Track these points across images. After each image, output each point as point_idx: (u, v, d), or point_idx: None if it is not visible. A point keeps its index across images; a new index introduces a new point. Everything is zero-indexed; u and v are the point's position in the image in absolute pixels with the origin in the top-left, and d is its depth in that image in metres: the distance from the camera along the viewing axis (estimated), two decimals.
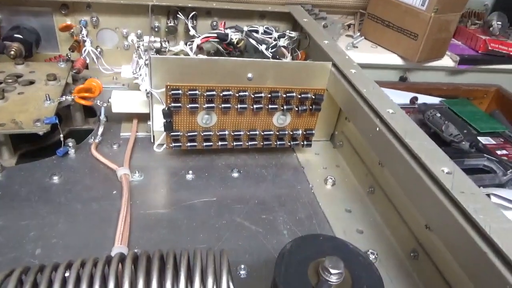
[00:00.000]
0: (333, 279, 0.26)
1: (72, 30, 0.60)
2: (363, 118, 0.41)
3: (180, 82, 0.42)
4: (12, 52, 0.54)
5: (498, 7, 1.39)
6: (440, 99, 1.20)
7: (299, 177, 0.48)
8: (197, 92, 0.42)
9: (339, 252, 0.28)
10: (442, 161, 0.32)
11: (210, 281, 0.25)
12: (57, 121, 0.42)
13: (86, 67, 0.57)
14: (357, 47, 1.18)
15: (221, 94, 0.43)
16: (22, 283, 0.24)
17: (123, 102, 0.49)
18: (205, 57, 0.49)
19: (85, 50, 0.58)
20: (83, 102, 0.46)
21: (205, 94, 0.43)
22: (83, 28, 0.60)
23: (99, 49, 0.61)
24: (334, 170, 0.50)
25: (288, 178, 0.48)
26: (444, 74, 1.27)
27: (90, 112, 0.55)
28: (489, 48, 1.21)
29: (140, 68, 0.50)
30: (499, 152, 1.02)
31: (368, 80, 0.45)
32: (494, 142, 1.05)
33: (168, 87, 0.42)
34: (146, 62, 0.45)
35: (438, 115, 1.00)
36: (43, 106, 0.44)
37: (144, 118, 0.52)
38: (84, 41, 0.59)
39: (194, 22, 0.63)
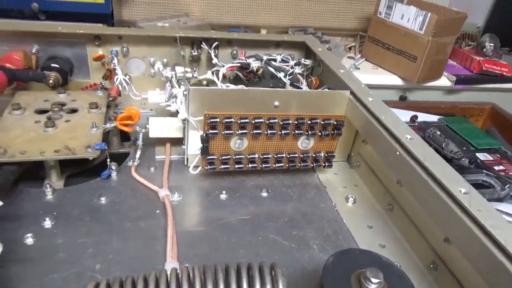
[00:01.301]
0: (374, 287, 0.30)
1: (103, 59, 0.65)
2: (382, 142, 0.45)
3: (214, 110, 0.47)
4: (51, 81, 0.59)
5: (489, 29, 1.47)
6: (438, 116, 1.27)
7: (322, 196, 0.52)
8: (232, 119, 0.47)
9: (375, 263, 0.32)
10: (459, 182, 0.37)
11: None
12: (106, 147, 0.46)
13: (119, 94, 0.61)
14: (359, 68, 1.25)
15: (253, 121, 0.48)
16: None
17: (159, 128, 0.53)
18: (237, 87, 0.54)
19: (117, 78, 0.63)
20: (125, 129, 0.50)
21: (239, 121, 0.47)
22: (115, 57, 0.64)
23: (128, 76, 0.66)
24: (353, 189, 0.54)
25: (312, 197, 0.52)
26: (442, 93, 1.34)
27: (123, 136, 0.59)
28: (483, 68, 1.28)
29: (172, 97, 0.55)
30: (496, 168, 1.07)
31: (385, 107, 0.49)
32: (491, 158, 1.10)
33: (207, 115, 0.46)
34: (184, 92, 0.49)
35: (438, 133, 1.06)
36: (90, 133, 0.48)
37: (175, 141, 0.56)
38: (115, 69, 0.64)
39: (216, 51, 0.68)
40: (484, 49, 1.33)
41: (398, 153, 0.43)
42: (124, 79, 0.63)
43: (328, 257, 0.33)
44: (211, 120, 0.46)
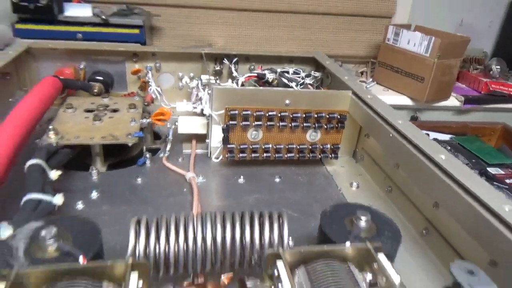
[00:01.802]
0: (363, 224, 0.36)
1: (139, 73, 0.75)
2: (380, 130, 0.53)
3: (234, 106, 0.55)
4: (96, 90, 0.69)
5: (497, 54, 1.54)
6: (450, 136, 1.32)
7: (329, 182, 0.59)
8: (249, 112, 0.55)
9: (366, 210, 0.38)
10: (438, 151, 0.43)
11: (275, 226, 0.36)
12: (143, 135, 0.55)
13: (152, 101, 0.71)
14: (370, 90, 1.33)
15: (267, 114, 0.56)
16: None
17: (187, 125, 0.62)
18: (253, 87, 0.63)
19: (150, 89, 0.73)
20: (158, 123, 0.59)
21: (254, 114, 0.56)
22: (149, 71, 0.75)
23: (159, 89, 0.76)
24: (357, 177, 0.60)
25: (320, 183, 0.58)
26: (452, 113, 1.40)
27: (155, 136, 0.68)
28: (490, 89, 1.34)
29: (197, 100, 0.64)
30: (508, 181, 1.11)
31: (381, 102, 0.57)
32: (503, 172, 1.14)
33: (227, 108, 0.55)
34: (209, 92, 0.58)
35: (448, 147, 1.11)
36: (130, 126, 0.57)
37: (200, 139, 0.64)
38: (149, 82, 0.74)
39: (236, 66, 0.78)
40: (491, 72, 1.40)
41: (391, 135, 0.50)
42: (157, 89, 0.73)
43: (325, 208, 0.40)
44: (231, 112, 0.55)
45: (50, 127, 0.51)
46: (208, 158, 0.61)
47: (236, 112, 0.55)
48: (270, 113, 0.56)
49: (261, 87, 0.61)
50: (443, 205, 0.42)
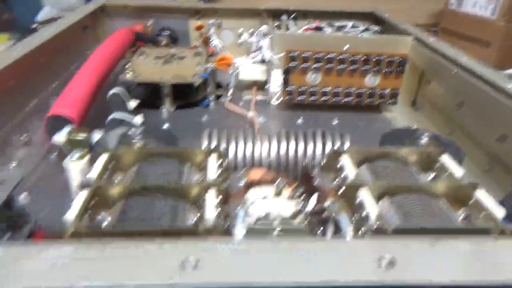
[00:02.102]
0: (423, 142, 0.37)
1: (202, 30, 0.79)
2: (443, 68, 0.52)
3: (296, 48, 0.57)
4: (163, 43, 0.74)
5: None
6: None
7: (387, 126, 0.59)
8: (308, 54, 0.57)
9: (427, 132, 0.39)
10: (507, 82, 0.42)
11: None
12: (207, 76, 0.59)
13: (214, 54, 0.74)
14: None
15: (326, 57, 0.57)
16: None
17: (248, 71, 0.65)
18: (313, 32, 0.64)
19: (212, 43, 0.76)
20: (222, 67, 0.63)
21: (314, 56, 0.57)
22: (211, 27, 0.78)
23: (220, 44, 0.79)
24: (417, 124, 0.60)
25: (378, 127, 0.59)
26: None
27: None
28: None
29: (259, 48, 0.66)
30: None
31: (445, 45, 0.56)
32: None
33: (288, 50, 0.57)
34: (270, 35, 0.60)
35: None
36: (196, 69, 0.61)
37: (259, 88, 0.67)
38: (210, 38, 0.78)
39: (294, 22, 0.79)
40: None
41: (455, 71, 0.49)
42: (219, 43, 0.77)
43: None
44: (291, 54, 0.57)
45: (127, 66, 0.57)
46: (267, 104, 0.64)
47: (296, 53, 0.57)
48: (330, 55, 0.57)
49: (320, 33, 0.63)
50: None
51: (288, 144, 0.37)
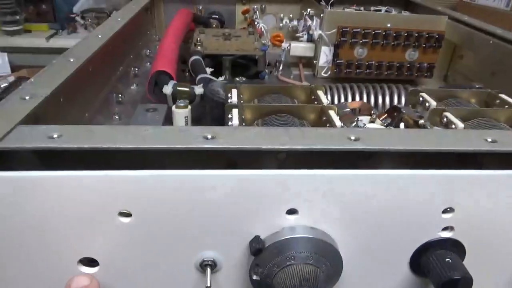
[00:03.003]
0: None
1: (247, 14, 0.87)
2: (479, 40, 0.60)
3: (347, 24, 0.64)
4: (214, 26, 0.81)
5: None
6: None
7: None
8: (359, 30, 0.64)
9: None
10: None
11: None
12: (267, 49, 0.66)
13: (261, 36, 0.82)
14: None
15: (373, 33, 0.65)
16: None
17: (297, 48, 0.72)
18: (359, 11, 0.72)
19: (258, 26, 0.84)
20: (277, 43, 0.70)
21: (362, 32, 0.64)
22: (256, 11, 0.86)
23: (265, 26, 0.87)
24: None
25: None
26: None
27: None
28: None
29: (306, 28, 0.74)
30: None
31: (478, 21, 0.64)
32: None
33: (339, 26, 0.64)
34: (322, 15, 0.68)
35: None
36: (253, 45, 0.68)
37: (305, 64, 0.74)
38: (255, 20, 0.85)
39: (332, 7, 0.86)
40: None
41: (491, 42, 0.57)
42: (263, 26, 0.84)
43: None
44: (343, 29, 0.64)
45: (198, 38, 0.64)
46: (314, 77, 0.71)
47: (347, 29, 0.64)
48: (376, 31, 0.65)
49: (365, 11, 0.70)
50: None
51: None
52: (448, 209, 0.22)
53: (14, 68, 1.26)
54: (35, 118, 0.27)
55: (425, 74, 0.69)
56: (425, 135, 0.25)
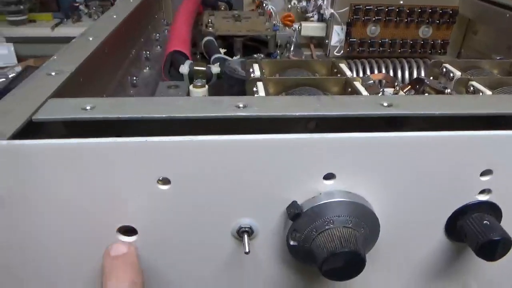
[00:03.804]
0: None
1: None
2: (494, 13, 0.59)
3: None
4: (222, 8, 0.80)
5: None
6: None
7: None
8: (371, 7, 0.63)
9: None
10: None
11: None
12: (278, 29, 0.65)
13: (270, 17, 0.81)
14: None
15: (386, 10, 0.64)
16: None
17: (308, 28, 0.72)
18: None
19: (266, 7, 0.83)
20: (288, 23, 0.70)
21: (375, 9, 0.64)
22: None
23: (274, 8, 0.86)
24: None
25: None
26: None
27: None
28: None
29: (317, 7, 0.73)
30: None
31: None
32: None
33: (352, 4, 0.63)
34: None
35: None
36: (265, 25, 0.67)
37: (315, 45, 0.74)
38: (263, 3, 0.84)
39: None
40: None
41: (508, 15, 0.56)
42: (272, 8, 0.83)
43: None
44: (355, 7, 0.63)
45: (209, 20, 0.63)
46: (326, 57, 0.71)
47: (360, 7, 0.63)
48: (389, 8, 0.64)
49: None
50: None
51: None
52: (486, 171, 0.22)
53: (20, 59, 1.25)
54: (59, 95, 0.27)
55: (439, 51, 0.68)
56: (457, 100, 0.25)
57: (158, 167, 0.20)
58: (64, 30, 1.25)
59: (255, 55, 0.42)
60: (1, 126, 0.21)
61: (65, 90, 0.28)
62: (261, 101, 0.24)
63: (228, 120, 0.23)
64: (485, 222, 0.22)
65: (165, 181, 0.21)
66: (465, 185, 0.22)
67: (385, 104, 0.24)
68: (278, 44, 0.76)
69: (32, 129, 0.22)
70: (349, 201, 0.21)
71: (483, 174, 0.22)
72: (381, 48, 0.67)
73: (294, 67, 0.37)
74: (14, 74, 1.04)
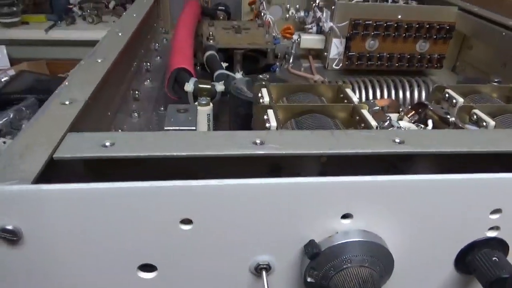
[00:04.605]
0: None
1: (254, 5, 0.86)
2: (489, 31, 0.60)
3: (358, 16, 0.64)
4: (221, 17, 0.81)
5: None
6: None
7: None
8: (370, 22, 0.64)
9: None
10: None
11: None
12: (279, 43, 0.66)
13: (269, 26, 0.81)
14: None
15: (385, 25, 0.65)
16: None
17: (307, 40, 0.72)
18: (370, 3, 0.72)
19: (265, 17, 0.83)
20: (287, 36, 0.70)
21: (374, 24, 0.65)
22: (262, 2, 0.85)
23: (272, 17, 0.86)
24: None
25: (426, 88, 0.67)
26: None
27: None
28: None
29: (316, 19, 0.74)
30: None
31: (489, 12, 0.64)
32: None
33: (351, 19, 0.64)
34: (333, 7, 0.67)
35: None
36: (265, 38, 0.68)
37: (314, 56, 0.74)
38: (262, 11, 0.84)
39: None
40: None
41: (504, 33, 0.57)
42: (270, 18, 0.84)
43: None
44: (355, 22, 0.64)
45: (210, 33, 0.63)
46: (324, 69, 0.71)
47: (360, 22, 0.64)
48: (388, 23, 0.65)
49: (377, 3, 0.70)
50: None
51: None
52: (496, 210, 0.23)
53: (12, 61, 1.24)
54: (75, 126, 0.27)
55: (435, 65, 0.69)
56: (466, 136, 0.25)
57: (181, 209, 0.20)
58: (58, 33, 1.24)
59: (260, 76, 0.42)
60: (23, 165, 0.21)
61: (80, 120, 0.28)
62: (276, 137, 0.25)
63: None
64: (494, 258, 0.23)
65: (187, 221, 0.21)
66: (475, 223, 0.23)
67: (397, 140, 0.25)
68: (278, 56, 0.76)
69: (53, 166, 0.22)
70: (365, 241, 0.22)
71: (492, 212, 0.23)
72: (379, 62, 0.68)
73: (301, 91, 0.38)
74: (7, 78, 1.03)
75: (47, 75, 1.16)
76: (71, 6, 1.31)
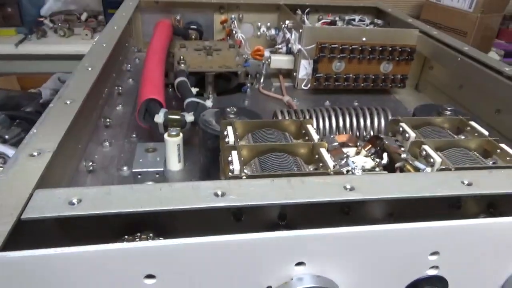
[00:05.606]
0: (448, 113, 0.48)
1: (225, 23, 0.88)
2: (447, 56, 0.64)
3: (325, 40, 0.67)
4: (193, 36, 0.82)
5: None
6: None
7: (399, 105, 0.70)
8: (336, 45, 0.67)
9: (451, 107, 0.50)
10: (502, 66, 0.54)
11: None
12: (250, 66, 0.68)
13: (240, 46, 0.83)
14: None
15: (350, 48, 0.68)
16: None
17: (277, 61, 0.74)
18: (337, 26, 0.74)
19: (236, 36, 0.85)
20: (257, 58, 0.72)
21: (340, 47, 0.67)
22: (234, 21, 0.87)
23: (243, 36, 0.88)
24: (422, 102, 0.72)
25: (391, 106, 0.70)
26: None
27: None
28: None
29: (285, 40, 0.76)
30: None
31: (448, 36, 0.68)
32: None
33: (318, 42, 0.67)
34: (300, 30, 0.70)
35: None
36: (236, 60, 0.70)
37: (284, 75, 0.77)
38: (234, 30, 0.86)
39: (308, 16, 0.89)
40: None
41: (459, 59, 0.61)
42: (242, 36, 0.86)
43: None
44: (322, 45, 0.67)
45: (181, 57, 0.65)
46: (294, 89, 0.74)
47: (326, 45, 0.67)
48: (353, 46, 0.68)
49: (341, 27, 0.73)
50: (505, 110, 0.53)
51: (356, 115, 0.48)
52: (434, 253, 0.25)
53: None
54: (44, 179, 0.28)
55: (399, 85, 0.73)
56: (410, 180, 0.28)
57: (144, 266, 0.22)
58: (28, 47, 1.22)
59: (227, 109, 0.44)
60: None
61: (49, 171, 0.29)
62: (237, 187, 0.26)
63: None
64: None
65: (150, 276, 0.22)
66: (416, 263, 0.26)
67: (348, 187, 0.27)
68: (249, 75, 0.78)
69: (23, 224, 0.23)
70: (318, 287, 0.24)
71: (431, 254, 0.25)
72: (345, 83, 0.71)
73: (265, 127, 0.40)
74: None
75: (18, 91, 1.14)
76: (42, 19, 1.29)
